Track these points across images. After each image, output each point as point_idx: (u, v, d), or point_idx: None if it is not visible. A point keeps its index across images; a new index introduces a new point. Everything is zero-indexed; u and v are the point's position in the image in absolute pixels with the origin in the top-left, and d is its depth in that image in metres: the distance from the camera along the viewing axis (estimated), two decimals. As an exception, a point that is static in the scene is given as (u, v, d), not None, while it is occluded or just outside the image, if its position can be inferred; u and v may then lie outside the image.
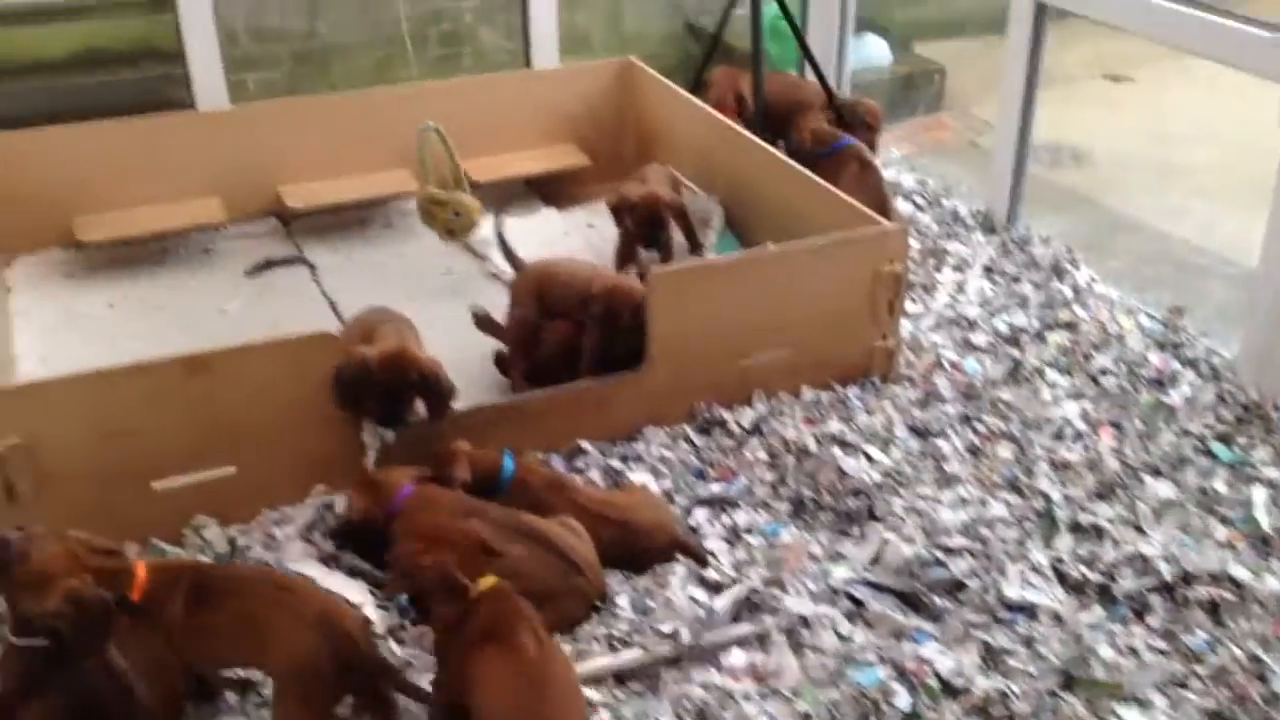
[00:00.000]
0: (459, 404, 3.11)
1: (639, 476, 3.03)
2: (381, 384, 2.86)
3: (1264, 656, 2.51)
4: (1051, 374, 3.52)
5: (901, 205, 4.49)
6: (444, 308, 3.70)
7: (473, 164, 4.42)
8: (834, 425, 3.25)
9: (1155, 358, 3.58)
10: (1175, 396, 3.39)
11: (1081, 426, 3.27)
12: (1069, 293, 3.92)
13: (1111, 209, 5.01)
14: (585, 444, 3.14)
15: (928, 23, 6.42)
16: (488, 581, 2.32)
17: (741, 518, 2.92)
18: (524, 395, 3.22)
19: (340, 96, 4.38)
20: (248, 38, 4.91)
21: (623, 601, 2.64)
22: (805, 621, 2.60)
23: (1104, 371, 3.52)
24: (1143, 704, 2.43)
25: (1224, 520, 2.92)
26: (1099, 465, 3.11)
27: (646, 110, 4.59)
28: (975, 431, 3.27)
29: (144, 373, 2.79)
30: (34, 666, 2.21)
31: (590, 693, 2.41)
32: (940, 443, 3.21)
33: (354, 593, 2.62)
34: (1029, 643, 2.56)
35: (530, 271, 3.48)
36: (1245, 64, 3.48)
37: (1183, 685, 2.47)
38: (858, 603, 2.67)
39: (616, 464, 3.09)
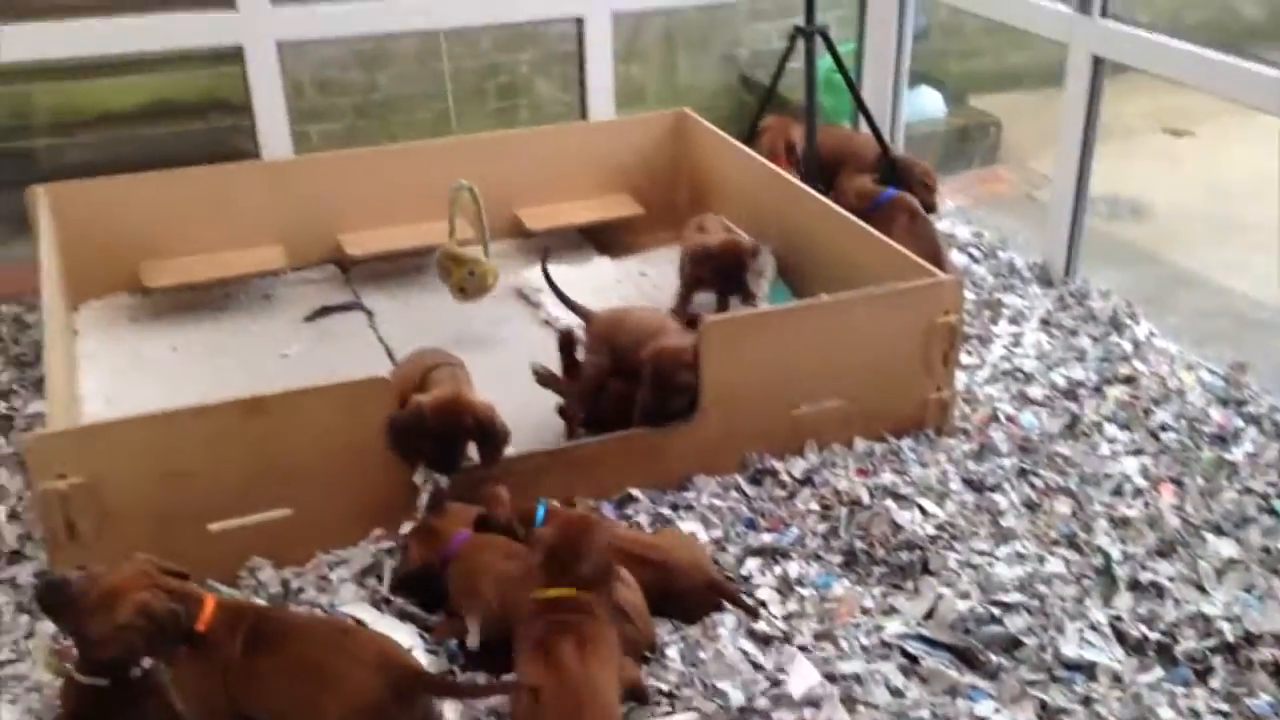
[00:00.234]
0: (510, 450, 3.13)
1: (689, 525, 3.03)
2: (436, 430, 2.87)
3: (1332, 722, 2.44)
4: (1110, 429, 3.47)
5: (957, 257, 4.47)
6: (496, 354, 3.73)
7: (528, 213, 4.48)
8: (887, 477, 3.22)
9: (1217, 413, 3.51)
10: (1238, 453, 3.32)
11: (1141, 483, 3.22)
12: (1128, 347, 3.88)
13: (1171, 263, 4.96)
14: (636, 492, 3.14)
15: (984, 75, 6.42)
16: (559, 591, 2.34)
17: (793, 568, 2.90)
18: (575, 442, 3.23)
19: (399, 147, 4.46)
20: (312, 90, 5.03)
21: (672, 652, 2.62)
22: (858, 677, 2.57)
23: (1164, 427, 3.46)
24: (1205, 768, 2.37)
25: (1289, 580, 2.85)
26: (1159, 522, 3.05)
27: (700, 160, 4.62)
28: (1032, 486, 3.22)
29: (203, 415, 2.84)
30: (94, 707, 2.23)
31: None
32: (996, 497, 3.17)
33: (404, 636, 2.62)
34: (1087, 702, 2.50)
35: (603, 319, 3.49)
36: (1307, 118, 3.44)
37: (1246, 749, 2.41)
38: (911, 658, 2.63)
39: (667, 512, 3.08)
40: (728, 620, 2.71)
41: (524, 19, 4.98)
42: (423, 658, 2.57)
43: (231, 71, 4.43)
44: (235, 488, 2.84)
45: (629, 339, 3.34)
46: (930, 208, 4.38)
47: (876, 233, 3.67)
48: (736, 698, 2.49)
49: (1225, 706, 2.51)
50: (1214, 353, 3.90)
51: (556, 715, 2.20)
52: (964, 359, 3.78)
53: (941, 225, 4.64)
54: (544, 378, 3.48)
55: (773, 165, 4.23)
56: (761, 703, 2.49)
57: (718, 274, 3.77)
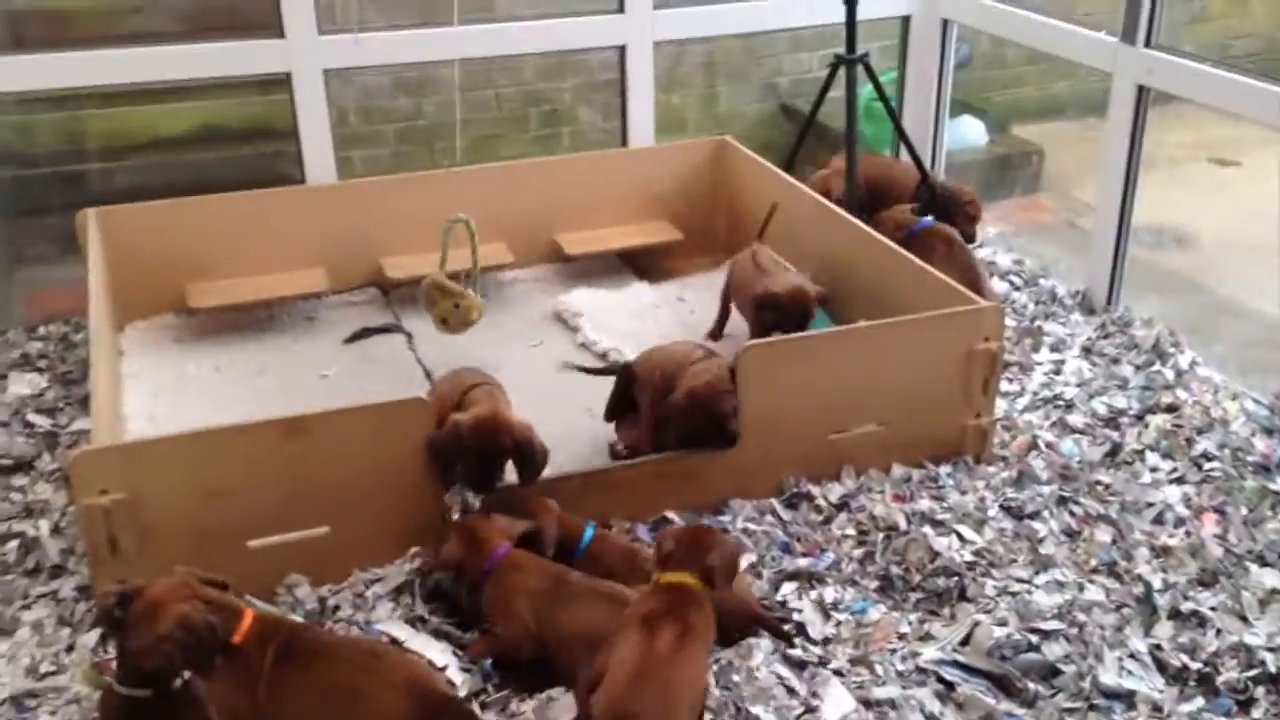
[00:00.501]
0: (547, 472, 3.14)
1: (725, 549, 3.01)
2: (475, 449, 2.88)
3: (1380, 756, 2.39)
4: (1152, 457, 3.43)
5: (998, 284, 4.44)
6: (534, 379, 3.75)
7: (567, 238, 4.52)
8: (925, 503, 3.20)
9: (1261, 443, 3.46)
10: (1282, 483, 3.28)
11: (1183, 511, 3.18)
12: (1171, 375, 3.83)
13: (1216, 292, 4.90)
14: (671, 514, 3.14)
15: (1026, 104, 6.40)
16: (674, 576, 2.39)
17: (829, 593, 2.88)
18: (611, 464, 3.24)
19: (441, 173, 4.51)
20: (356, 117, 5.10)
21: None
22: (893, 703, 2.54)
23: (1207, 456, 3.42)
24: (1248, 801, 2.32)
25: (1334, 612, 2.80)
26: (1201, 552, 3.00)
27: (740, 188, 4.64)
28: (1072, 514, 3.19)
29: (244, 434, 2.88)
30: (134, 718, 2.25)
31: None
32: (1035, 524, 3.14)
33: (438, 654, 2.64)
34: (1126, 731, 2.47)
35: (640, 362, 3.46)
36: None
37: (1292, 783, 2.36)
38: (948, 684, 2.61)
39: (703, 536, 3.07)
40: (763, 644, 2.69)
41: (566, 48, 5.03)
42: (457, 676, 2.58)
43: (279, 98, 4.51)
44: (274, 506, 2.87)
45: (662, 373, 3.34)
46: (969, 238, 4.36)
47: (917, 260, 3.66)
48: (769, 721, 2.48)
49: (1269, 738, 2.47)
50: (1258, 382, 3.84)
51: (642, 692, 2.22)
52: (1004, 386, 3.75)
53: (982, 252, 4.62)
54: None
55: (813, 193, 4.24)
56: (795, 729, 2.48)
57: (783, 321, 3.71)
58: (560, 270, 4.54)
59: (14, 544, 3.10)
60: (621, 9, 4.72)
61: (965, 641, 2.72)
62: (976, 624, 2.75)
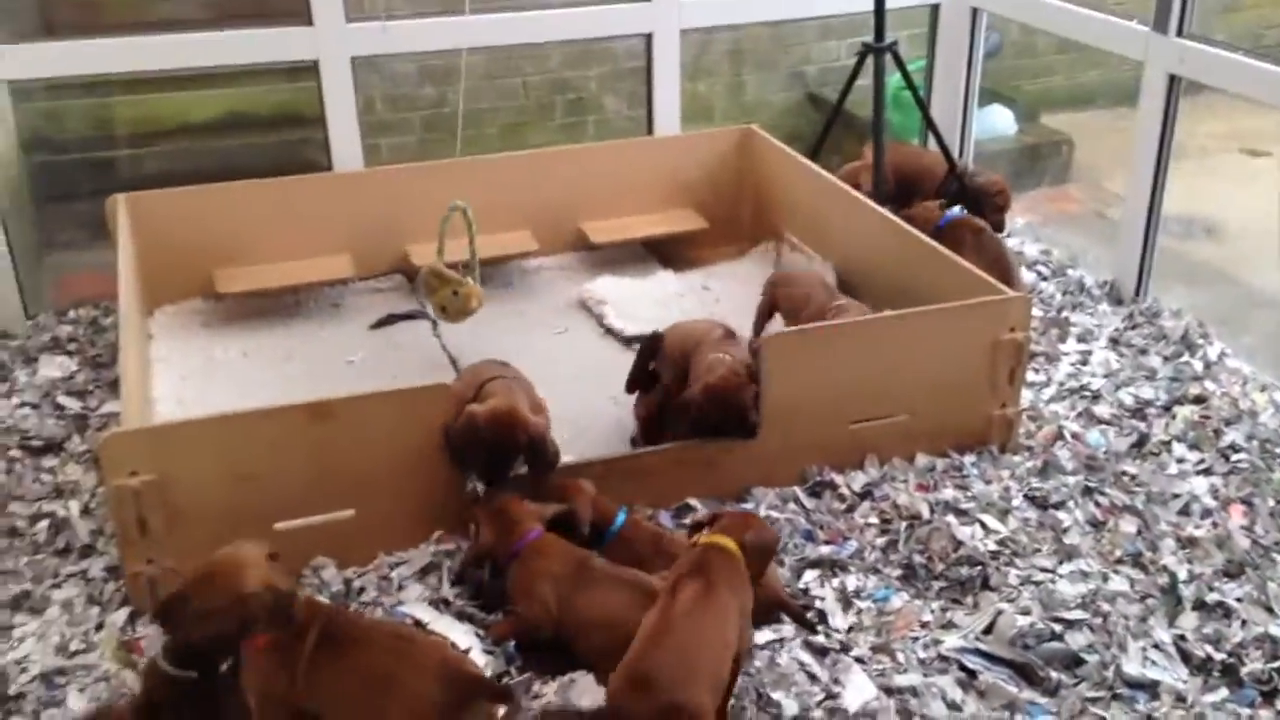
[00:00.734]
0: (571, 457, 3.15)
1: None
2: (490, 442, 2.88)
3: (1407, 750, 2.37)
4: (1179, 448, 3.41)
5: (1025, 274, 4.42)
6: (559, 366, 3.76)
7: (592, 226, 4.52)
8: (948, 493, 3.19)
9: (1291, 435, 3.44)
10: (1311, 475, 3.25)
11: (1210, 503, 3.16)
12: (1199, 367, 3.81)
13: (1245, 283, 4.86)
14: (694, 502, 3.14)
15: (1056, 93, 6.35)
16: (716, 539, 2.43)
17: (851, 581, 2.88)
18: (634, 451, 3.25)
19: (467, 161, 4.52)
20: (383, 105, 5.12)
21: (727, 660, 2.61)
22: (914, 690, 2.54)
23: (1235, 447, 3.39)
24: (1272, 793, 2.31)
25: (1363, 604, 2.78)
26: (1228, 543, 2.99)
27: (765, 176, 4.63)
28: (1097, 504, 3.18)
29: (271, 417, 2.90)
30: (178, 697, 2.27)
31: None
32: (1060, 514, 3.13)
33: (462, 636, 2.66)
34: (1149, 721, 2.46)
35: (665, 338, 3.49)
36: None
37: (1316, 775, 2.35)
38: (970, 672, 2.60)
39: (725, 523, 3.08)
40: (784, 630, 2.70)
41: (593, 35, 5.03)
42: (480, 658, 2.60)
43: (306, 86, 4.53)
44: (301, 489, 2.89)
45: (680, 350, 3.35)
46: (998, 228, 4.34)
47: (944, 249, 3.64)
48: (790, 708, 2.48)
49: (1294, 730, 2.45)
50: (1288, 374, 3.82)
51: (657, 653, 2.25)
52: (1030, 376, 3.74)
53: (1010, 242, 4.59)
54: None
55: (840, 183, 4.22)
56: (816, 714, 2.48)
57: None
58: (585, 258, 4.54)
59: (44, 524, 3.14)
60: (648, -4, 4.72)
61: (988, 630, 2.71)
62: (999, 613, 2.75)
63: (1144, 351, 3.94)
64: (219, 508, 2.82)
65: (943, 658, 2.64)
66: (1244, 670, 2.58)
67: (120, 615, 2.79)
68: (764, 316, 3.83)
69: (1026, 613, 2.75)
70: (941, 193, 4.56)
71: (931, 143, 4.77)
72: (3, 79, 4.28)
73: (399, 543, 2.97)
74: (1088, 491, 3.22)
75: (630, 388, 3.46)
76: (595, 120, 5.50)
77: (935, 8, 5.19)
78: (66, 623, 2.80)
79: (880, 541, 3.02)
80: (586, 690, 2.51)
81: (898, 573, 2.92)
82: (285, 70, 4.71)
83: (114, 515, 2.78)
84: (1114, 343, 4.01)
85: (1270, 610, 2.75)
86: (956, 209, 4.28)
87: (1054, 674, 2.58)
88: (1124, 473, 3.29)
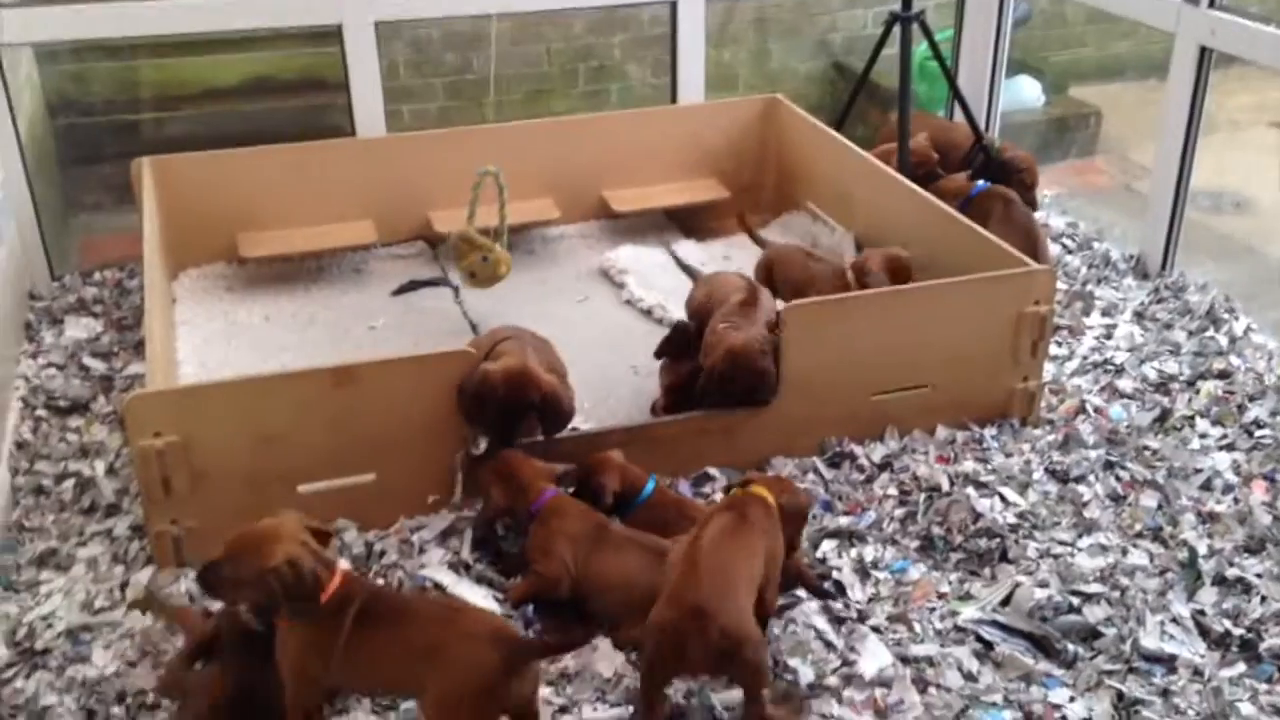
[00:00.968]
0: (590, 425, 3.16)
1: (766, 505, 3.02)
2: (502, 400, 2.88)
3: None
4: (1202, 424, 3.39)
5: (1051, 247, 4.38)
6: (580, 334, 3.76)
7: (614, 194, 4.51)
8: (969, 465, 3.19)
9: (1315, 411, 3.42)
10: (1336, 452, 3.23)
11: (1232, 478, 3.14)
12: (1224, 341, 3.78)
13: (1274, 258, 4.82)
14: (713, 471, 3.15)
15: (1085, 65, 6.28)
16: (759, 489, 2.53)
17: (869, 552, 2.88)
18: (654, 420, 3.25)
19: (490, 127, 4.52)
20: (406, 70, 5.11)
21: (744, 627, 2.62)
22: (930, 660, 2.55)
23: (1258, 423, 3.37)
24: (1287, 767, 2.31)
25: (1384, 582, 2.76)
26: (1249, 519, 2.97)
27: (789, 146, 4.60)
28: (1118, 478, 3.17)
29: (294, 381, 2.92)
30: (241, 649, 2.31)
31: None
32: (1080, 488, 3.12)
33: (481, 600, 2.68)
34: (1165, 694, 2.46)
35: (699, 287, 3.55)
36: None
37: (1333, 751, 2.35)
38: (986, 644, 2.61)
39: (744, 492, 3.08)
40: (800, 594, 2.70)
41: (617, 2, 5.00)
42: (498, 622, 2.62)
43: (330, 50, 4.53)
44: (323, 452, 2.91)
45: (708, 301, 3.36)
46: (1029, 205, 4.31)
47: (968, 221, 3.62)
48: (806, 675, 2.49)
49: (1312, 706, 2.45)
50: (1315, 350, 3.78)
51: (696, 580, 2.30)
52: (1053, 350, 3.72)
53: (1036, 215, 4.55)
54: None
55: (864, 153, 4.20)
56: (832, 681, 2.49)
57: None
58: (606, 227, 4.54)
59: (70, 483, 3.17)
60: (674, -37, 4.68)
61: (1005, 602, 2.72)
62: (1017, 585, 2.75)
63: (1169, 326, 3.91)
64: (242, 470, 2.84)
65: (959, 629, 2.64)
66: (1262, 646, 2.57)
67: (144, 574, 2.82)
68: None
69: (1044, 585, 2.75)
70: (966, 165, 4.53)
71: (958, 114, 4.73)
72: (29, 42, 4.29)
73: (420, 507, 2.99)
74: (1109, 466, 3.21)
75: (659, 353, 3.45)
76: (619, 88, 5.48)
77: (964, -24, 5.13)
78: (92, 580, 2.83)
79: (899, 513, 3.02)
80: (605, 655, 2.53)
81: (916, 544, 2.92)
82: (309, 35, 4.71)
83: (138, 475, 2.81)
84: (1139, 317, 3.99)
85: (1290, 586, 2.75)
86: (984, 182, 4.25)
87: (1071, 646, 2.58)
88: (1146, 447, 3.28)
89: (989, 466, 3.19)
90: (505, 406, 2.88)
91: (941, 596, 2.75)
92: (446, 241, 3.90)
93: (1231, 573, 2.79)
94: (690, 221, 4.59)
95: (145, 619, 2.68)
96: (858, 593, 2.76)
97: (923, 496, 3.06)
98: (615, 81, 5.47)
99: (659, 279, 4.14)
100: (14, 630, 2.66)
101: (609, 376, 3.57)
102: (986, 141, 4.54)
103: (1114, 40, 6.29)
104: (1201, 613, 2.68)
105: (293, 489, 2.89)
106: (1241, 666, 2.54)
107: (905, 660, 2.55)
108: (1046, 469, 3.19)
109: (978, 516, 2.97)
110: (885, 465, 3.20)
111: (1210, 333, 3.84)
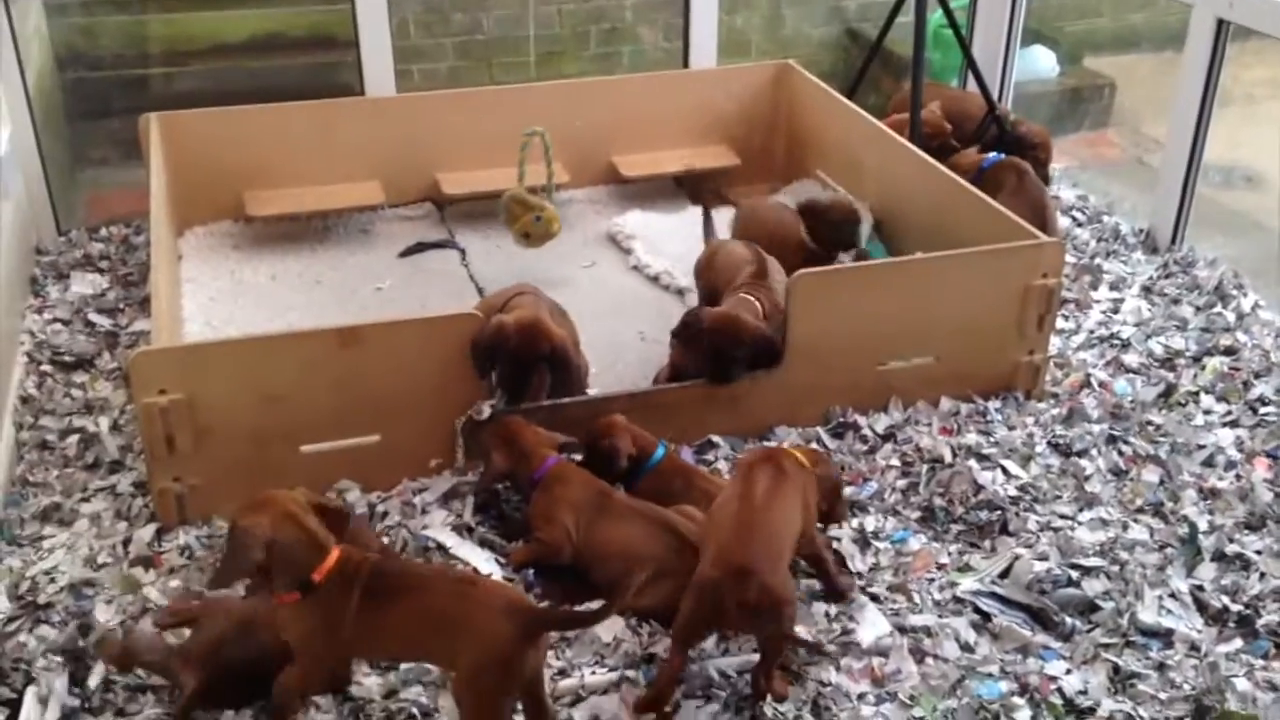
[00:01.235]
0: (595, 390, 3.16)
1: (768, 473, 3.03)
2: (514, 350, 2.89)
3: None
4: (1206, 400, 3.39)
5: (1060, 220, 4.36)
6: (587, 299, 3.76)
7: (623, 160, 4.49)
8: (972, 437, 3.19)
9: (1321, 389, 3.41)
10: (1340, 431, 3.23)
11: (1235, 455, 3.14)
12: (1231, 318, 3.77)
13: (1285, 235, 4.77)
14: (717, 438, 3.15)
15: (1100, 35, 6.22)
16: (801, 450, 2.63)
17: (870, 522, 2.89)
18: (659, 387, 3.25)
19: (500, 89, 4.49)
20: (417, 30, 5.07)
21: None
22: (928, 630, 2.56)
23: (1263, 400, 3.37)
24: (1280, 743, 2.32)
25: (1384, 561, 2.77)
26: (1251, 496, 2.98)
27: (800, 113, 4.57)
28: (1121, 453, 3.17)
29: (300, 341, 2.92)
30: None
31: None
32: (1083, 462, 3.12)
33: (484, 563, 2.69)
34: (1161, 668, 2.47)
35: (703, 256, 3.59)
36: None
37: (1327, 728, 2.35)
38: (984, 615, 2.62)
39: (747, 459, 3.09)
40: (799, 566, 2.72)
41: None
42: (499, 585, 2.64)
43: (340, 8, 4.50)
44: (327, 413, 2.91)
45: (716, 278, 3.35)
46: (1043, 180, 4.28)
47: (978, 192, 3.60)
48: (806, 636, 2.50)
49: (1307, 683, 2.46)
50: (1323, 328, 3.77)
51: (750, 543, 2.34)
52: (1060, 323, 3.71)
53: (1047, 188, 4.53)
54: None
55: (876, 121, 4.16)
56: (830, 649, 2.50)
57: (831, 232, 3.72)
58: (615, 192, 4.52)
59: (74, 438, 3.18)
60: (688, -75, 4.64)
61: (1004, 574, 2.73)
62: (1017, 558, 2.75)
63: (1176, 301, 3.90)
64: (246, 428, 2.85)
65: (958, 600, 2.65)
66: (1260, 622, 2.58)
67: (147, 531, 2.84)
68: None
69: (1044, 558, 2.76)
70: (978, 136, 4.50)
71: (970, 83, 4.70)
72: (38, -6, 4.27)
73: (423, 469, 3.00)
74: (1112, 440, 3.20)
75: (675, 335, 3.44)
76: (630, 51, 5.43)
77: (980, -57, 5.08)
78: (95, 536, 2.85)
79: (901, 484, 3.03)
80: (607, 620, 2.54)
81: (917, 515, 2.93)
82: (319, -8, 4.68)
83: (142, 432, 2.82)
84: (1146, 291, 3.97)
85: (1290, 564, 2.75)
86: (995, 154, 4.22)
87: (1069, 619, 2.59)
88: (1149, 422, 3.28)
89: (992, 439, 3.19)
90: (516, 357, 2.89)
91: (941, 567, 2.76)
92: (499, 204, 3.92)
93: (1231, 549, 2.80)
94: (700, 188, 4.56)
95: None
96: (858, 563, 2.77)
97: (925, 468, 3.06)
98: (627, 45, 5.42)
99: (667, 245, 4.13)
100: (16, 584, 2.68)
101: (615, 342, 3.57)
102: (1000, 113, 4.51)
103: (1130, 10, 6.22)
104: (1200, 588, 2.68)
105: (296, 449, 2.90)
106: (1238, 642, 2.55)
107: (903, 630, 2.56)
108: (1049, 442, 3.19)
109: (979, 489, 2.98)
110: (888, 436, 3.20)
111: (1218, 309, 3.82)
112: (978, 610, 2.62)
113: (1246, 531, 2.87)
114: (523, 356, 2.90)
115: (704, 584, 2.31)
